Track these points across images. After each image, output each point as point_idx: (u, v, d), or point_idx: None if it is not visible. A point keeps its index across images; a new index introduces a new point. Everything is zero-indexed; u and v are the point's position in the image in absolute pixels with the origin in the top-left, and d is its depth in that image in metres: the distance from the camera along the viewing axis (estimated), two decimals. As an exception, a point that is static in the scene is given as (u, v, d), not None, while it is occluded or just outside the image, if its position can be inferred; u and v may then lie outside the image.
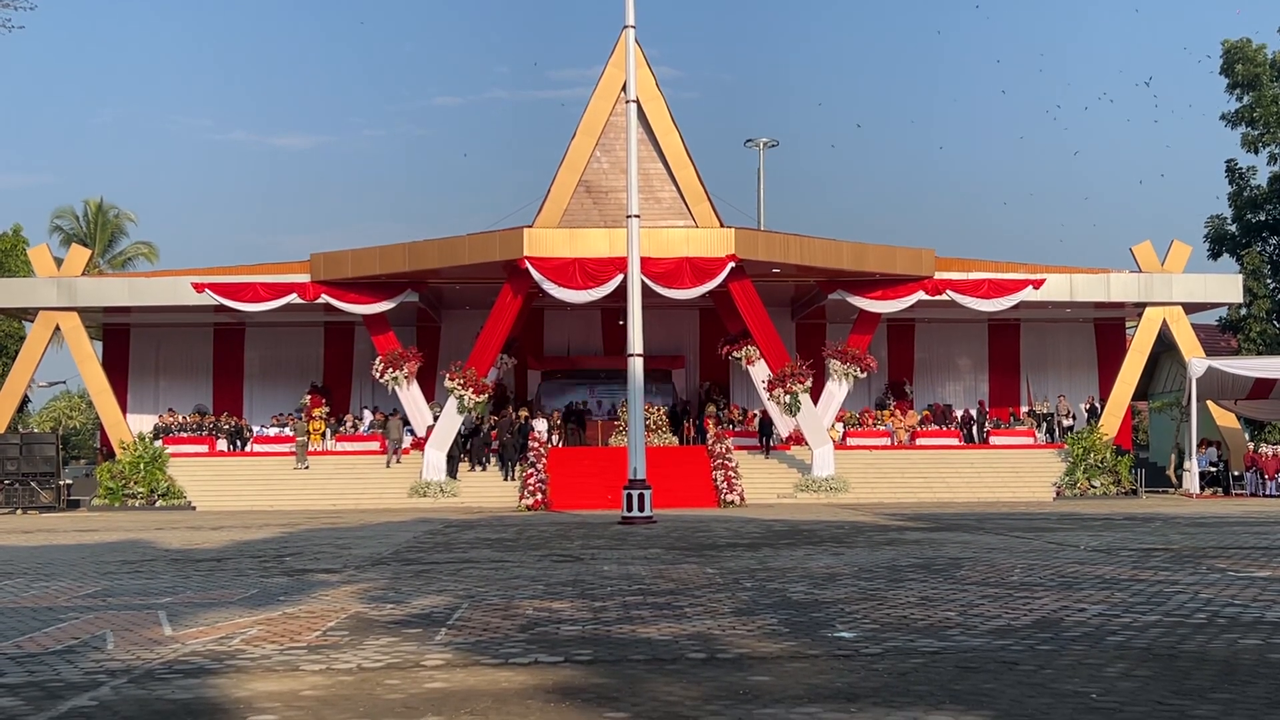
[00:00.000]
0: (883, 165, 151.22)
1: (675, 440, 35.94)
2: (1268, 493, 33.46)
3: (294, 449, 35.40)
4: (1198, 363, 34.31)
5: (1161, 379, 39.11)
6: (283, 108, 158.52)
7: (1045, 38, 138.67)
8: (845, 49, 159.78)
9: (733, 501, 30.92)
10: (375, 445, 36.19)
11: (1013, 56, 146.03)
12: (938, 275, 35.14)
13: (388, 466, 34.35)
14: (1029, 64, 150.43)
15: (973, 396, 41.00)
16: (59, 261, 37.22)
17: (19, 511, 32.42)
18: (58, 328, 35.75)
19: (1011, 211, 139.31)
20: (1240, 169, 47.49)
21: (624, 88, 27.64)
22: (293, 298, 34.75)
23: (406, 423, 35.77)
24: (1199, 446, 35.24)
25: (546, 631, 7.66)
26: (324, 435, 36.61)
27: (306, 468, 34.82)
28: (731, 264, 32.43)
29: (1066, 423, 37.67)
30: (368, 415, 37.71)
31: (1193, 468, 34.85)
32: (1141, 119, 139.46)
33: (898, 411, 38.45)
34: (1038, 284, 35.72)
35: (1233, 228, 47.58)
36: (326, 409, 37.95)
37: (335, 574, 12.02)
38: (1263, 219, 46.77)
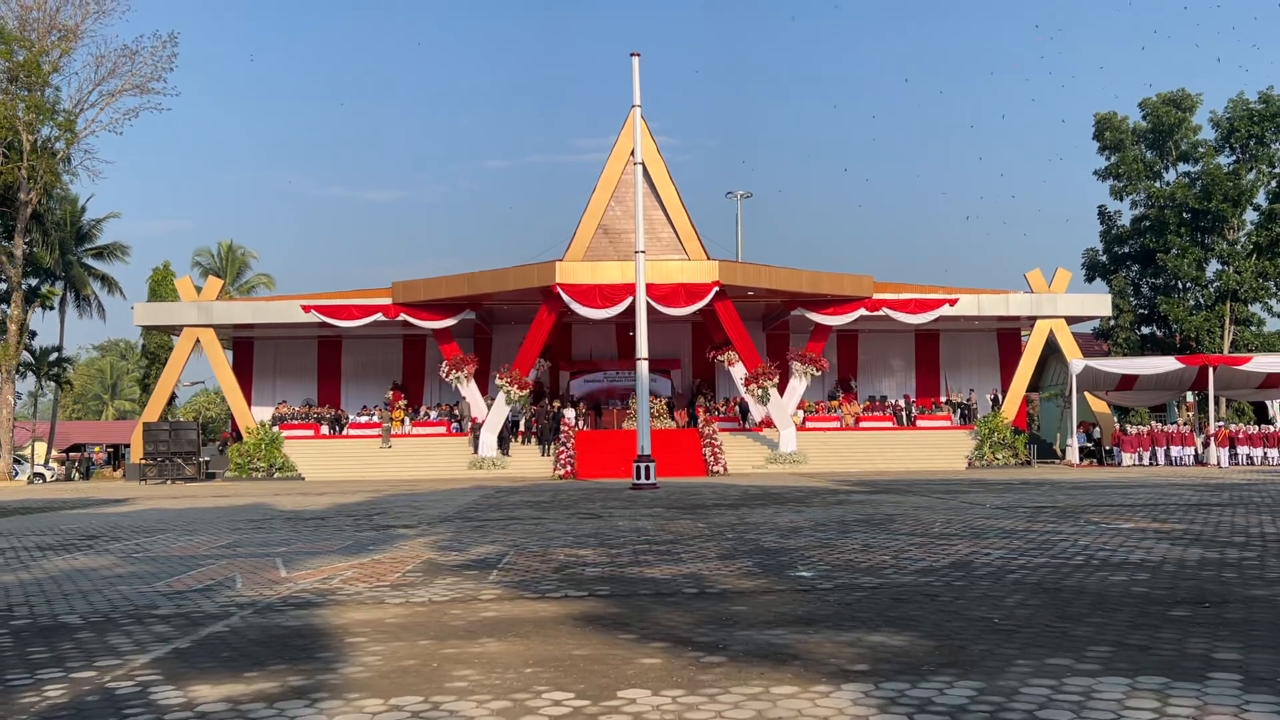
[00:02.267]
0: (831, 209, 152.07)
1: (673, 424, 35.93)
2: (1130, 463, 33.50)
3: (380, 433, 35.69)
4: (1076, 363, 34.48)
5: (1049, 375, 39.23)
6: (369, 170, 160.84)
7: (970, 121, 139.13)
8: (807, 119, 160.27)
9: (718, 471, 31.09)
10: (442, 430, 36.36)
11: (944, 127, 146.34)
12: (875, 296, 35.27)
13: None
14: (959, 138, 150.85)
15: (903, 390, 41.00)
16: (199, 289, 37.32)
17: (168, 482, 32.66)
18: (198, 341, 36.05)
19: (931, 244, 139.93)
20: (1109, 212, 48.04)
21: (632, 153, 27.74)
22: (378, 316, 34.98)
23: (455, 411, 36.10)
24: (1078, 427, 35.39)
25: (574, 572, 7.58)
26: (403, 422, 36.74)
27: (390, 447, 34.82)
28: (716, 288, 32.61)
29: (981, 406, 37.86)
30: (434, 414, 37.94)
31: (1073, 444, 35.12)
32: (1030, 178, 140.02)
33: (845, 402, 38.48)
34: (953, 302, 35.94)
35: (1103, 258, 48.04)
36: (405, 402, 38.17)
37: (411, 529, 11.84)
38: (1126, 251, 47.20)
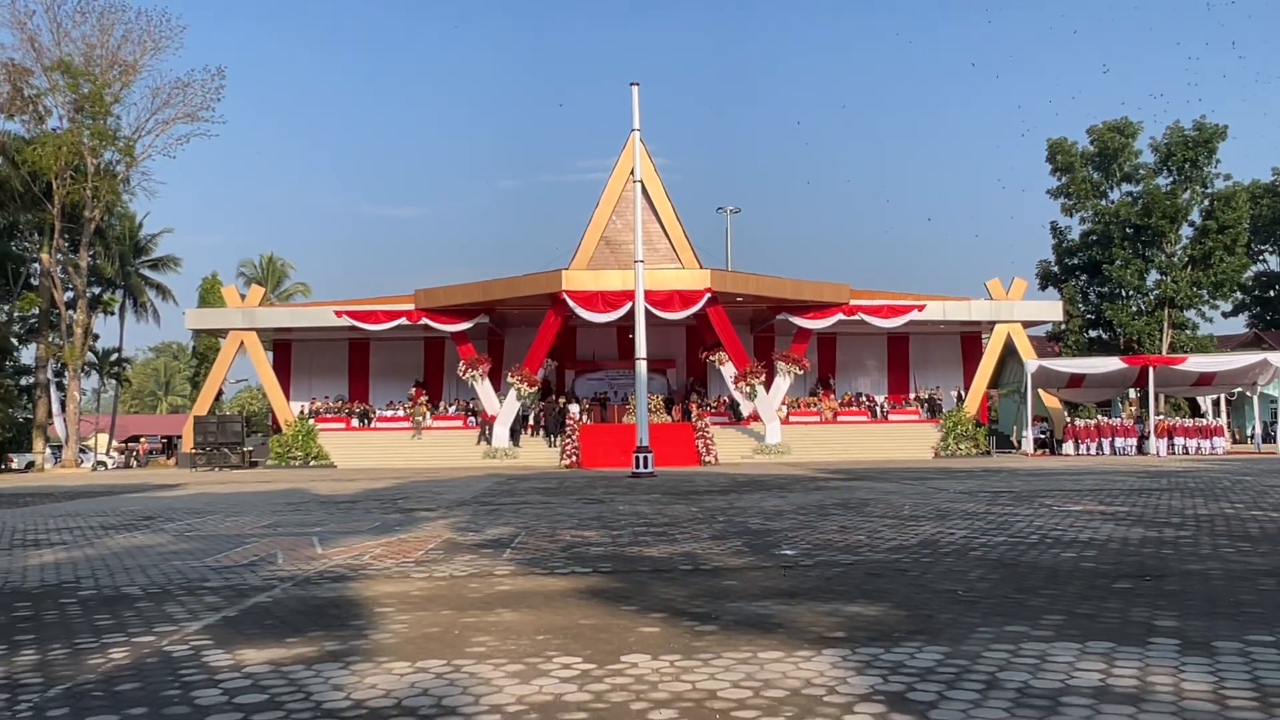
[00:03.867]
0: (812, 223, 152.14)
1: (669, 419, 35.93)
2: (1079, 453, 33.54)
3: (412, 425, 35.62)
4: (1031, 363, 34.47)
5: (1007, 374, 39.23)
6: (393, 188, 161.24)
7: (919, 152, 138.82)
8: (785, 141, 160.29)
9: (710, 461, 30.96)
10: (459, 424, 36.28)
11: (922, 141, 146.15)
12: (852, 302, 35.22)
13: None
14: (927, 153, 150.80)
15: (877, 387, 40.93)
16: (243, 297, 37.38)
17: (216, 469, 32.77)
18: (242, 343, 35.98)
19: (902, 255, 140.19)
20: (1060, 227, 48.09)
21: (631, 172, 27.75)
22: (402, 320, 34.90)
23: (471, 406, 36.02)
24: (1033, 421, 35.37)
25: (580, 551, 7.54)
26: (425, 415, 36.79)
27: (420, 438, 34.95)
28: (708, 295, 32.57)
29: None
30: (452, 409, 37.97)
31: (1028, 436, 35.07)
32: (992, 199, 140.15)
33: (824, 398, 38.49)
34: (921, 308, 35.91)
35: (1055, 268, 48.06)
36: (426, 398, 38.14)
37: (433, 512, 11.80)
38: (1076, 263, 47.24)
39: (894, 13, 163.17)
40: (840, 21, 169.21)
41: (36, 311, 42.77)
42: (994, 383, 38.86)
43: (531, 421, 35.83)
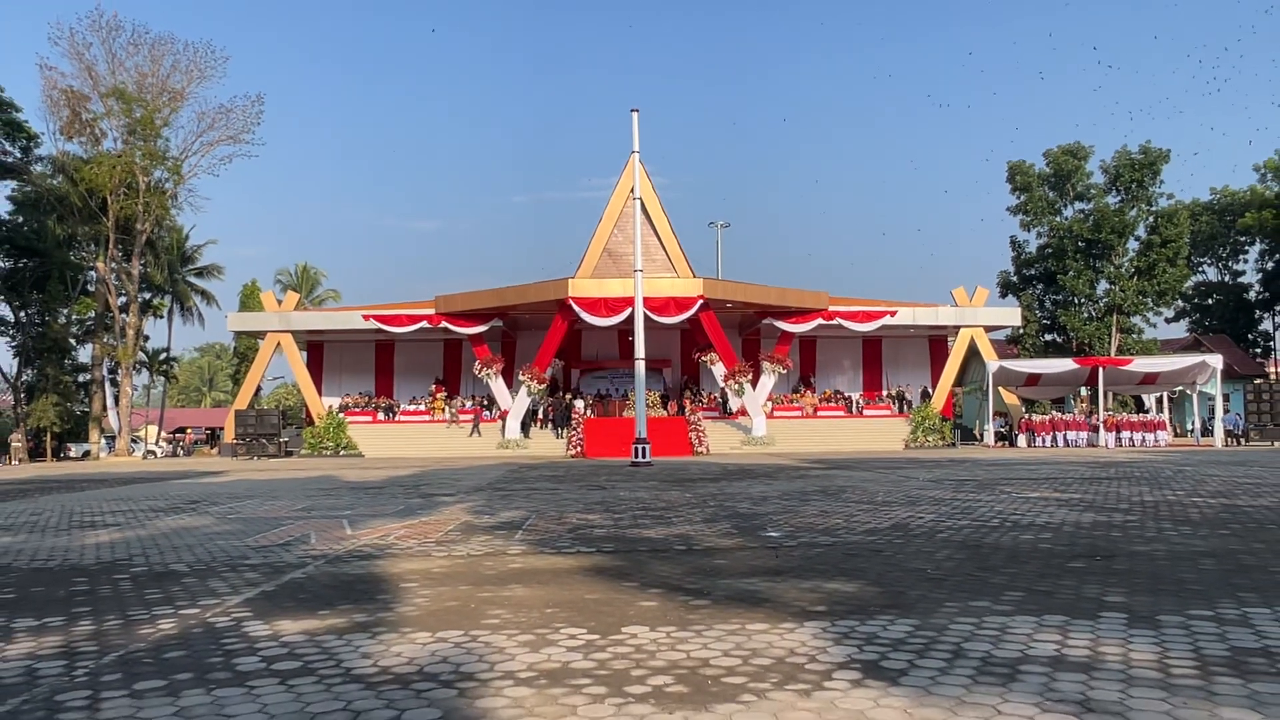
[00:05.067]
0: (793, 236, 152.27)
1: (665, 413, 35.89)
2: (1036, 445, 33.50)
3: (470, 419, 34.86)
4: (992, 363, 34.35)
5: (970, 373, 39.15)
6: (416, 204, 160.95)
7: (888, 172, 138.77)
8: (773, 163, 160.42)
9: (702, 452, 30.77)
10: (472, 417, 36.32)
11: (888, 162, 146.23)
12: (830, 308, 34.97)
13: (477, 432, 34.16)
14: (899, 174, 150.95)
15: (853, 385, 40.69)
16: (279, 302, 37.20)
17: (255, 458, 32.57)
18: (279, 343, 35.76)
19: (879, 264, 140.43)
20: (1019, 241, 48.12)
21: (631, 190, 27.72)
22: (424, 323, 34.63)
23: (490, 404, 35.88)
24: (993, 416, 35.28)
25: (585, 533, 7.52)
26: (445, 410, 36.64)
27: (453, 426, 34.67)
28: (701, 301, 32.35)
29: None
30: (468, 404, 37.82)
31: (990, 429, 35.02)
32: (963, 214, 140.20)
33: (805, 394, 38.44)
34: (893, 314, 35.73)
35: (1014, 278, 48.05)
36: (445, 394, 38.09)
37: (451, 496, 11.79)
38: (1033, 273, 47.30)
39: (877, 50, 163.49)
40: (827, 57, 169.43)
41: (93, 315, 42.76)
42: (958, 381, 38.83)
43: (541, 415, 35.77)
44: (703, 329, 33.58)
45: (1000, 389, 36.15)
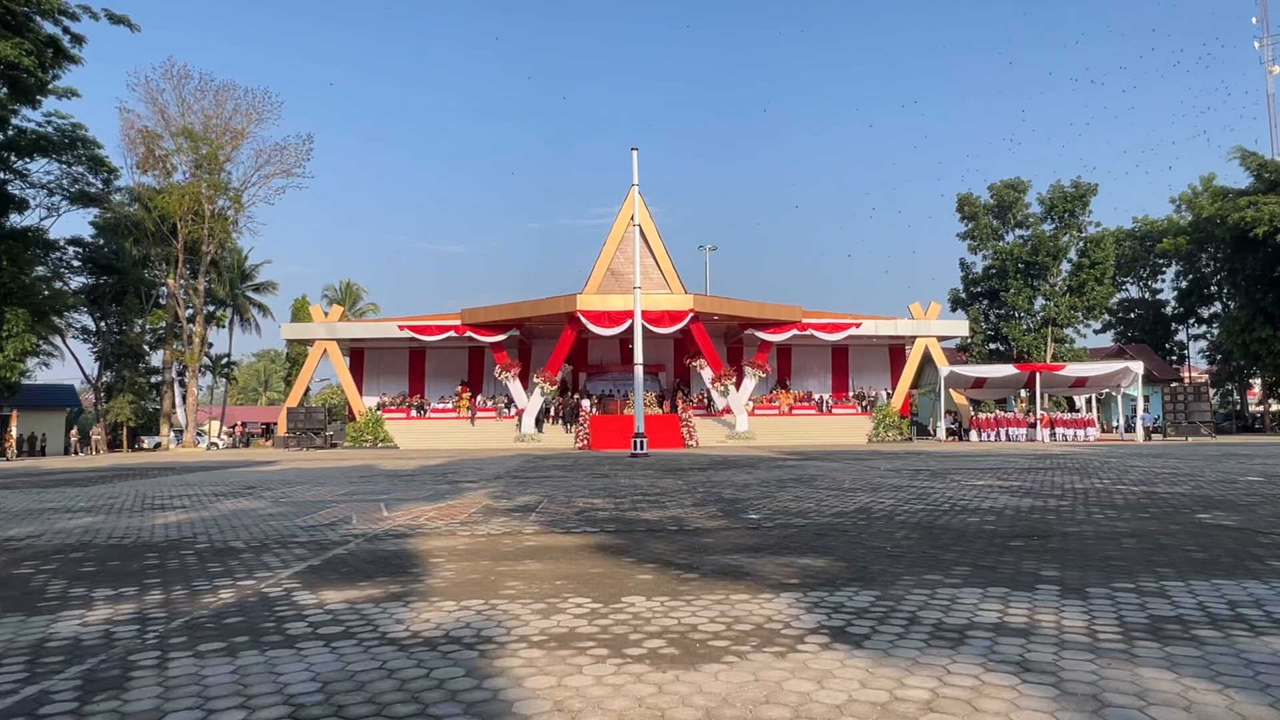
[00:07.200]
0: (770, 257, 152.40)
1: (660, 411, 35.90)
2: (983, 439, 33.47)
3: (517, 420, 34.41)
4: (944, 369, 34.35)
5: (925, 377, 39.17)
6: (446, 229, 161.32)
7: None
8: (750, 188, 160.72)
9: (693, 445, 30.73)
10: (494, 415, 36.17)
11: (862, 179, 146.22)
12: (804, 320, 35.04)
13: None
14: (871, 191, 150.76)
15: (823, 387, 40.68)
16: (326, 314, 37.11)
17: (304, 449, 32.49)
18: (325, 350, 35.73)
19: (845, 280, 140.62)
20: (967, 263, 48.05)
21: (631, 218, 27.88)
22: (452, 333, 34.53)
23: (509, 403, 35.84)
24: (945, 414, 35.34)
25: (590, 515, 7.48)
26: (469, 408, 36.68)
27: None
28: (691, 314, 32.42)
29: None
30: (490, 403, 37.73)
31: (942, 426, 35.03)
32: (913, 241, 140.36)
33: (782, 395, 38.49)
34: (858, 325, 35.81)
35: (963, 295, 47.99)
36: (469, 394, 38.06)
37: (474, 483, 11.72)
38: (979, 290, 47.25)
39: (860, 100, 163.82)
40: (821, 105, 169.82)
41: (164, 325, 42.73)
42: (915, 384, 38.85)
43: (552, 413, 35.74)
44: (693, 338, 33.59)
45: (951, 391, 36.16)
